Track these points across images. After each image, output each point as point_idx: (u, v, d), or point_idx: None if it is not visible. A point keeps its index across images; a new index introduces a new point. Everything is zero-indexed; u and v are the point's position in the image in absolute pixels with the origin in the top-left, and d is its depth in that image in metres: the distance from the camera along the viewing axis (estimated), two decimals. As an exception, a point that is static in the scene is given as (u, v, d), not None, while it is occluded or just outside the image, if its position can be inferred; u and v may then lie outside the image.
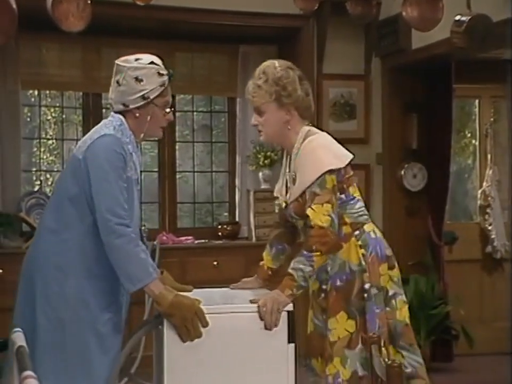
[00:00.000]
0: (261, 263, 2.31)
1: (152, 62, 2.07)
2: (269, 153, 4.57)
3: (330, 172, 2.08)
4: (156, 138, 4.64)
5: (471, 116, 5.08)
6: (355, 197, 2.17)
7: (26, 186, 4.53)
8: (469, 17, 3.40)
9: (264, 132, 2.19)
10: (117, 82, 2.07)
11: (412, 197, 4.59)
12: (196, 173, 4.92)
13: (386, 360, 2.05)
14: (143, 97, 2.04)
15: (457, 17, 3.43)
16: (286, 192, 2.20)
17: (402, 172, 4.58)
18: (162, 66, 2.09)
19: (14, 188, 4.26)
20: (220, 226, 4.64)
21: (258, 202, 4.54)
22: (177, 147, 4.81)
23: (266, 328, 1.93)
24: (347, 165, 2.13)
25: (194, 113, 5.00)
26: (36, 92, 4.70)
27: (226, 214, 4.95)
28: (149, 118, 2.06)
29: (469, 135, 5.10)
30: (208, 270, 4.22)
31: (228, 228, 4.62)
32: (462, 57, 4.03)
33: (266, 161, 4.57)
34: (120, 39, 4.38)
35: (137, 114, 2.07)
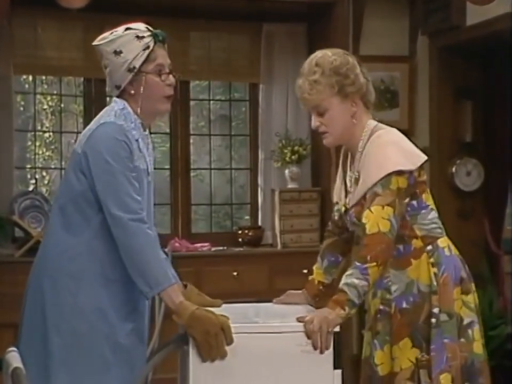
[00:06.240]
0: (310, 277, 2.32)
1: (128, 28, 2.08)
2: (296, 148, 4.56)
3: (399, 173, 2.05)
4: (167, 131, 4.71)
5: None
6: (428, 205, 2.14)
7: (19, 185, 4.58)
8: (534, -12, 3.36)
9: (331, 132, 2.14)
10: (104, 66, 2.09)
11: (465, 198, 4.55)
12: (212, 170, 4.94)
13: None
14: (128, 69, 2.04)
15: (520, -12, 3.39)
16: (346, 196, 2.19)
17: (454, 169, 4.55)
18: (144, 28, 2.08)
19: (5, 187, 4.30)
20: (240, 232, 4.64)
21: (284, 204, 4.53)
22: (191, 141, 4.82)
23: (315, 350, 1.91)
24: (419, 167, 2.09)
25: (211, 102, 5.01)
26: (31, 78, 4.75)
27: (247, 217, 4.95)
28: (142, 89, 2.03)
29: (534, 126, 5.03)
30: (226, 281, 4.23)
31: (249, 233, 4.62)
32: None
33: (293, 157, 4.57)
34: (127, 17, 4.30)
35: (132, 92, 2.06)
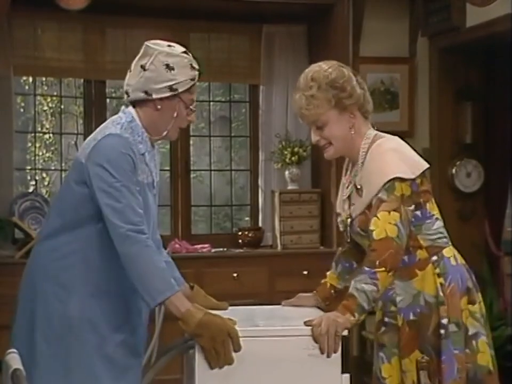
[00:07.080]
0: (323, 280, 2.32)
1: (185, 52, 2.10)
2: (296, 149, 4.57)
3: (401, 179, 2.05)
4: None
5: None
6: (433, 215, 2.13)
7: (19, 186, 4.59)
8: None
9: (333, 145, 2.14)
10: (142, 66, 2.06)
11: (465, 199, 4.56)
12: (212, 172, 4.94)
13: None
14: (170, 88, 2.05)
15: (521, -11, 3.40)
16: (350, 207, 2.18)
17: (454, 170, 4.56)
18: (195, 61, 2.12)
19: (5, 189, 4.31)
20: (240, 233, 4.64)
21: (285, 205, 4.53)
22: (191, 142, 4.83)
23: (322, 353, 1.90)
24: (420, 175, 2.08)
25: (211, 103, 5.02)
26: (31, 79, 4.76)
27: (247, 218, 4.96)
28: (175, 114, 2.07)
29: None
30: (226, 283, 4.23)
31: (250, 235, 4.63)
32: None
33: (293, 158, 4.57)
34: (127, 18, 4.41)
35: (159, 107, 2.07)
